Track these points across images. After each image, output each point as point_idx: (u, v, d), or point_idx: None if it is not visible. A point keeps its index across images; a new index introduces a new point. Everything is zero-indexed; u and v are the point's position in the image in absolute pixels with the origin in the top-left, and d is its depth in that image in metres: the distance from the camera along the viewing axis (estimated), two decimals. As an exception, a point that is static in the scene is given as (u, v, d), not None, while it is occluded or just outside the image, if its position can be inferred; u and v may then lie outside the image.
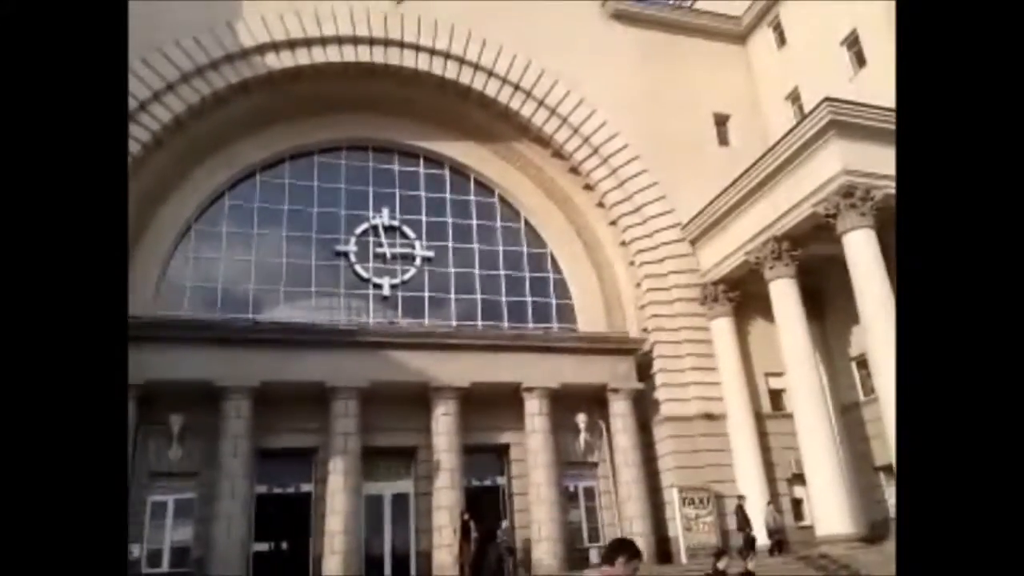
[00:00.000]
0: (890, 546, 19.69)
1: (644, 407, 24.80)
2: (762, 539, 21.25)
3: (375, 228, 26.43)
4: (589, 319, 27.22)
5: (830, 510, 20.71)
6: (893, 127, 20.97)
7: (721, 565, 11.84)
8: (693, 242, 26.22)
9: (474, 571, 20.44)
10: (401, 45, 26.16)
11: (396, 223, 26.78)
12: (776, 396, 25.07)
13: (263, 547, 21.09)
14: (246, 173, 25.71)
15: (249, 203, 25.57)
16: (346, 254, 25.83)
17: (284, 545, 21.79)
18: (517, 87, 27.01)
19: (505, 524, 22.06)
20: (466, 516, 20.80)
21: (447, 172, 28.33)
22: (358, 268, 25.74)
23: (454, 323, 25.84)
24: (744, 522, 21.03)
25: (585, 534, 23.93)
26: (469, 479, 22.93)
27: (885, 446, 20.12)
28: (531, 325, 26.66)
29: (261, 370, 20.90)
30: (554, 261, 28.30)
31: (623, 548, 4.59)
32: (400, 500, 22.95)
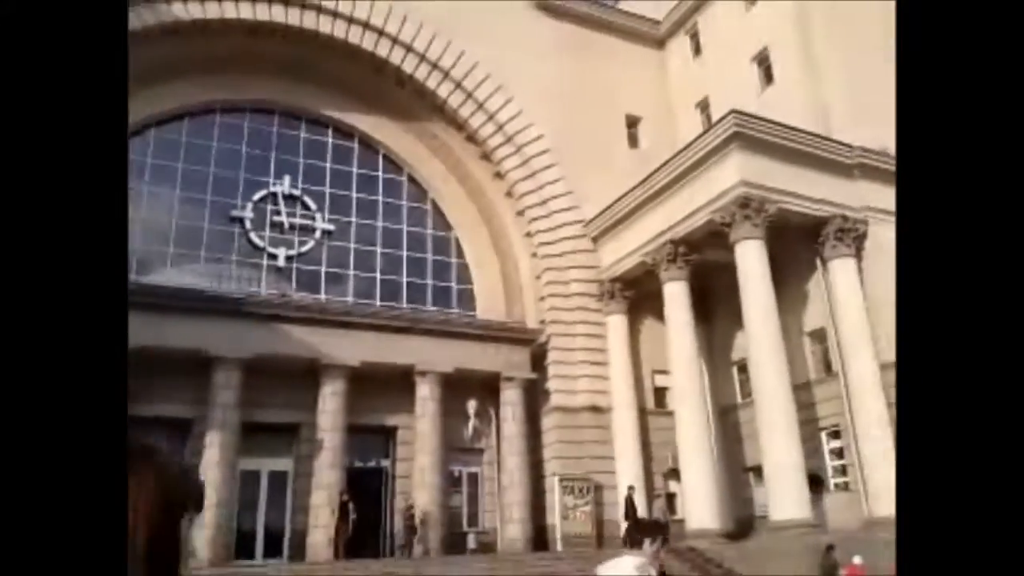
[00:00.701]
0: (752, 543, 20.72)
1: (535, 396, 25.09)
2: (643, 529, 21.89)
3: (274, 196, 25.56)
4: (488, 306, 27.27)
5: (701, 506, 21.53)
6: (793, 145, 21.96)
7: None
8: (595, 239, 26.62)
9: (348, 551, 20.22)
10: (318, 10, 25.32)
11: (297, 192, 25.99)
12: (660, 393, 25.82)
13: (125, 519, 20.12)
14: (140, 127, 24.26)
15: (141, 158, 24.18)
16: (241, 220, 24.87)
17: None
18: (435, 66, 26.63)
19: (407, 503, 22.02)
20: (345, 497, 20.56)
21: (356, 145, 27.69)
22: (253, 236, 24.85)
23: (350, 300, 25.35)
24: (632, 511, 21.58)
25: (465, 519, 24.06)
26: (352, 460, 22.61)
27: (756, 447, 21.05)
28: (430, 308, 26.48)
29: (136, 334, 19.66)
30: (458, 246, 28.18)
31: (651, 530, 4.26)
32: (278, 477, 22.39)
